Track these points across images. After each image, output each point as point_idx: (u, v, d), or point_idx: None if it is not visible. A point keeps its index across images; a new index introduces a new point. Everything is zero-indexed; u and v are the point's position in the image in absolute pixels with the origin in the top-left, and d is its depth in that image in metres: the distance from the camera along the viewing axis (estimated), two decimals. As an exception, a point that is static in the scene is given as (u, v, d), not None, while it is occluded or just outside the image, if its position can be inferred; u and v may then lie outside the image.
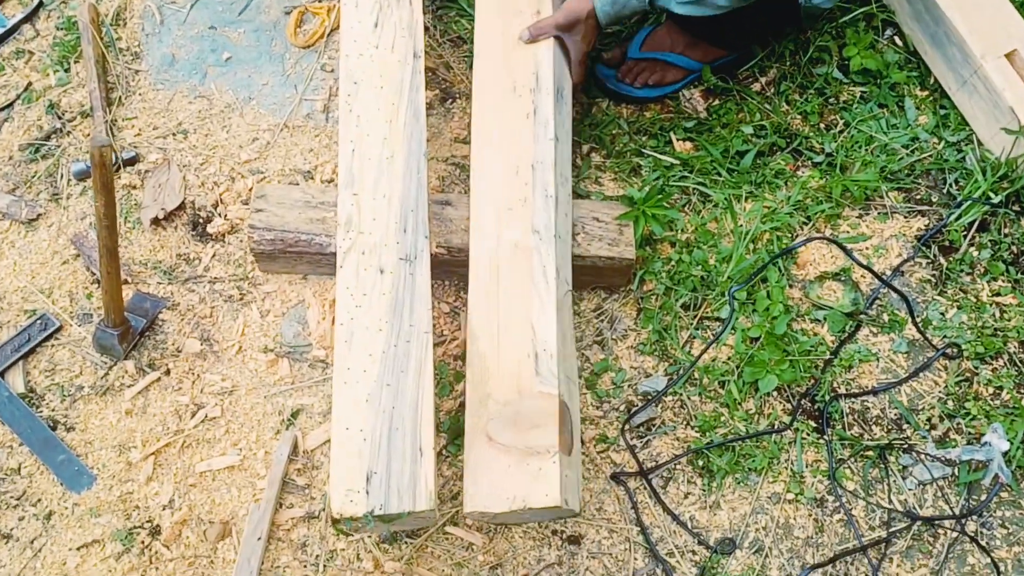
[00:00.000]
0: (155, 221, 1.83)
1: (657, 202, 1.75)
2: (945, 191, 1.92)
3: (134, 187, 1.87)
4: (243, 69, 2.02)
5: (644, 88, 1.99)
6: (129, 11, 2.08)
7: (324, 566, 1.55)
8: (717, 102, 2.02)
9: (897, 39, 2.07)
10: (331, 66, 2.02)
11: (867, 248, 1.86)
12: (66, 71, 2.00)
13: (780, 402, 1.71)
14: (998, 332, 1.76)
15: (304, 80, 2.01)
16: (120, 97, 1.97)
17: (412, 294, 1.50)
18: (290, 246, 1.69)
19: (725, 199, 1.89)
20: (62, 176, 1.89)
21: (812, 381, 1.72)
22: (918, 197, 1.92)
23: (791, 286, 1.81)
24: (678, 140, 1.97)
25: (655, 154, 1.94)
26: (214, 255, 1.82)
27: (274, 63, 2.03)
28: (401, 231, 1.56)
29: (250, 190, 1.87)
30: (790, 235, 1.86)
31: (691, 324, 1.77)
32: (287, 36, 2.05)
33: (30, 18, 2.08)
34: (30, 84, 1.99)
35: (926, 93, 2.02)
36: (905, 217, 1.90)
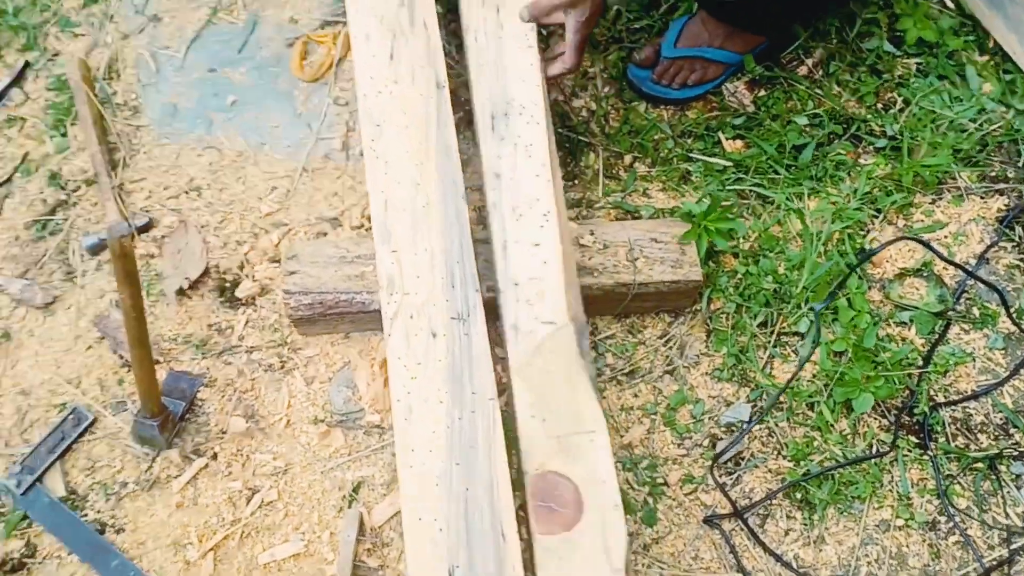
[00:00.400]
0: (180, 292, 1.70)
1: (720, 215, 1.61)
2: (1021, 164, 1.77)
3: (152, 256, 1.74)
4: (250, 112, 1.87)
5: (684, 88, 1.84)
6: (121, 61, 1.94)
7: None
8: (763, 92, 1.87)
9: (948, 2, 1.91)
10: (344, 99, 1.87)
11: (946, 237, 1.72)
12: (63, 135, 1.86)
13: (875, 418, 1.58)
14: (1101, 316, 1.62)
15: (317, 117, 1.86)
16: (124, 158, 1.83)
17: (470, 357, 1.37)
18: (330, 308, 1.56)
19: (787, 199, 1.74)
20: (74, 252, 1.76)
21: (907, 392, 1.58)
22: (992, 174, 1.78)
23: (869, 287, 1.67)
24: (727, 139, 1.82)
25: (705, 158, 1.80)
26: (247, 322, 1.69)
27: (283, 102, 1.88)
28: (449, 287, 1.42)
29: (276, 245, 1.74)
30: (861, 231, 1.72)
31: (768, 342, 1.64)
32: (292, 71, 1.90)
33: (17, 81, 1.93)
34: (27, 154, 1.86)
35: (986, 58, 1.87)
36: (982, 198, 1.75)
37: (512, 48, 1.58)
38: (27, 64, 1.95)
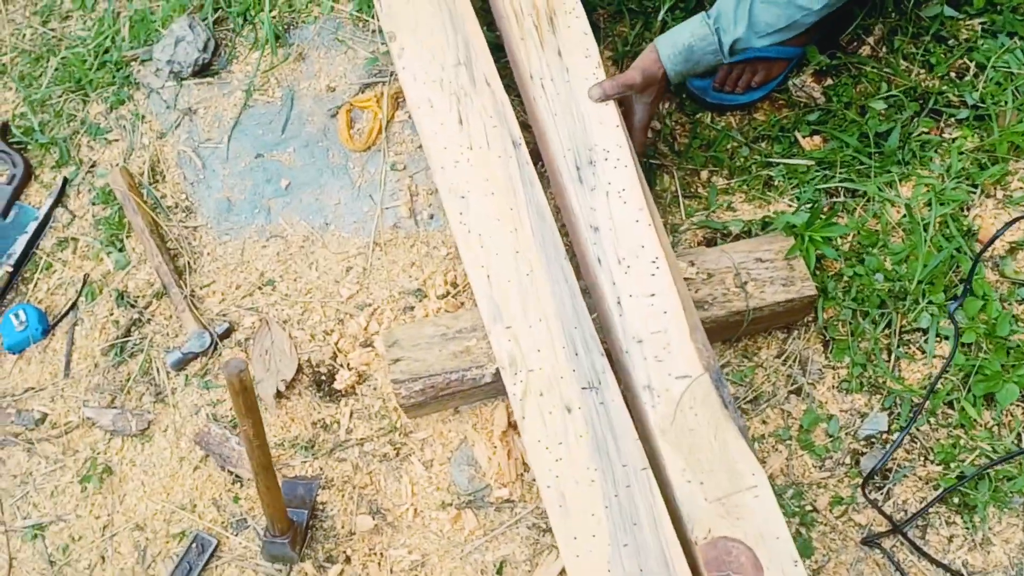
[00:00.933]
0: (277, 394, 1.64)
1: (823, 224, 1.54)
2: (1113, 111, 1.70)
3: (240, 361, 1.68)
4: (308, 193, 1.81)
5: (748, 91, 1.77)
6: (163, 162, 1.87)
7: None
8: (831, 81, 1.79)
9: (1003, -49, 1.83)
10: (401, 163, 1.80)
11: (1051, 201, 1.65)
12: (121, 250, 1.80)
13: (1019, 406, 1.52)
14: None
15: (377, 187, 1.79)
16: (188, 263, 1.77)
17: (611, 427, 1.31)
18: (442, 391, 1.50)
19: (879, 189, 1.68)
20: (159, 371, 1.70)
21: (1046, 374, 1.53)
22: (1086, 127, 1.70)
23: (983, 267, 1.61)
24: (804, 137, 1.75)
25: (785, 160, 1.73)
26: (352, 413, 1.63)
27: (339, 176, 1.81)
28: (572, 355, 1.36)
29: (365, 328, 1.68)
30: (963, 210, 1.65)
31: (891, 344, 1.58)
32: (342, 142, 1.83)
33: (60, 200, 1.87)
34: (87, 276, 1.79)
35: (1054, 4, 1.79)
36: (1083, 153, 1.68)
37: (583, 91, 1.51)
38: (66, 181, 1.88)
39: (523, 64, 1.54)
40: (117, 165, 1.86)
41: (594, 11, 1.92)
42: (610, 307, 1.38)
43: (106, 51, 1.98)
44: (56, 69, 1.98)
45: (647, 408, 1.31)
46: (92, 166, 1.89)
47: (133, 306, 1.75)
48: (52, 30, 2.05)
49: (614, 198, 1.44)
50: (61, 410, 1.71)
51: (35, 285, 1.81)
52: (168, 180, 1.85)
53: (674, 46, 1.51)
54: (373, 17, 1.91)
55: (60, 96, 1.95)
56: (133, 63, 1.95)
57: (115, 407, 1.69)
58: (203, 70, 1.90)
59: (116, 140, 1.90)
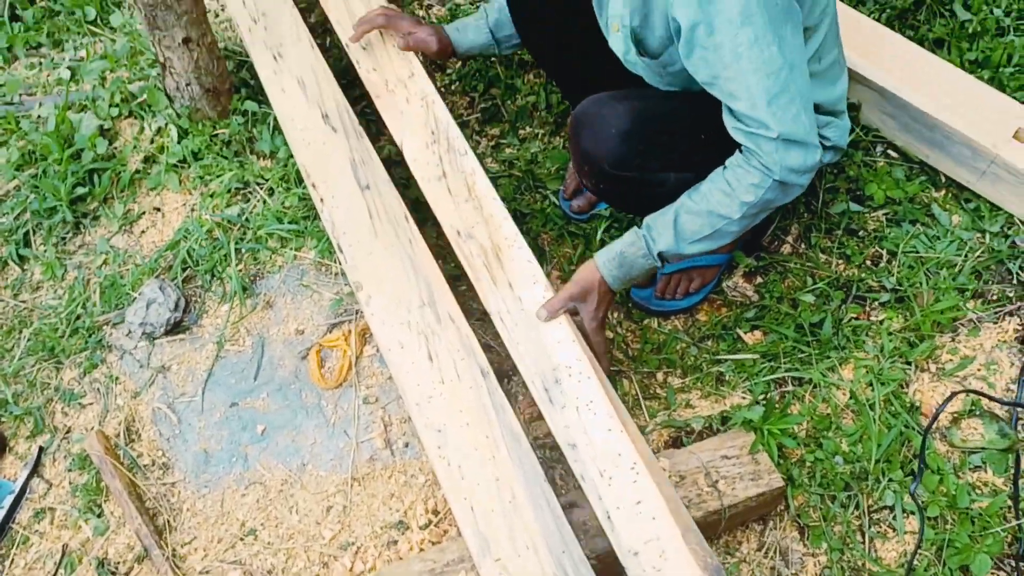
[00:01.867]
0: (267, 651, 1.61)
1: (779, 417, 1.64)
2: (1015, 281, 1.89)
3: (227, 620, 1.66)
4: (284, 435, 1.85)
5: (688, 296, 1.92)
6: (139, 422, 1.91)
7: None
8: (761, 279, 1.96)
9: (890, 151, 2.07)
10: (373, 396, 1.88)
11: (979, 370, 1.79)
12: (99, 516, 1.80)
13: (994, 574, 1.58)
14: None
15: (351, 422, 1.85)
16: (168, 521, 1.77)
17: (612, 649, 1.33)
18: (436, 629, 1.50)
19: (822, 375, 1.80)
20: (144, 639, 1.66)
21: (1009, 539, 1.60)
22: (994, 298, 1.88)
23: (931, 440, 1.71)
24: (745, 333, 1.89)
25: (732, 356, 1.85)
26: (345, 661, 1.61)
27: (313, 416, 1.87)
28: (564, 580, 1.39)
29: (350, 570, 1.68)
30: (903, 387, 1.77)
31: (862, 524, 1.64)
32: (314, 382, 1.90)
33: (35, 471, 1.88)
34: (66, 546, 1.78)
35: (943, 192, 2.01)
36: (995, 323, 1.84)
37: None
38: (41, 450, 1.90)
39: (484, 300, 1.66)
40: (92, 429, 1.89)
41: (537, 236, 2.09)
42: (601, 521, 1.42)
43: (78, 318, 2.06)
44: (29, 340, 2.05)
45: (651, 622, 1.33)
46: (67, 432, 1.92)
47: (114, 573, 1.73)
48: (23, 302, 2.13)
49: (584, 411, 1.52)
50: None
51: (11, 562, 1.78)
52: (144, 438, 1.89)
53: (608, 253, 1.64)
54: (335, 261, 2.04)
55: (33, 366, 2.01)
56: (105, 327, 2.03)
57: None
58: (175, 328, 1.99)
59: (90, 404, 1.94)
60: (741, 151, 1.53)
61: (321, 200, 1.83)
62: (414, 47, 1.95)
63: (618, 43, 1.65)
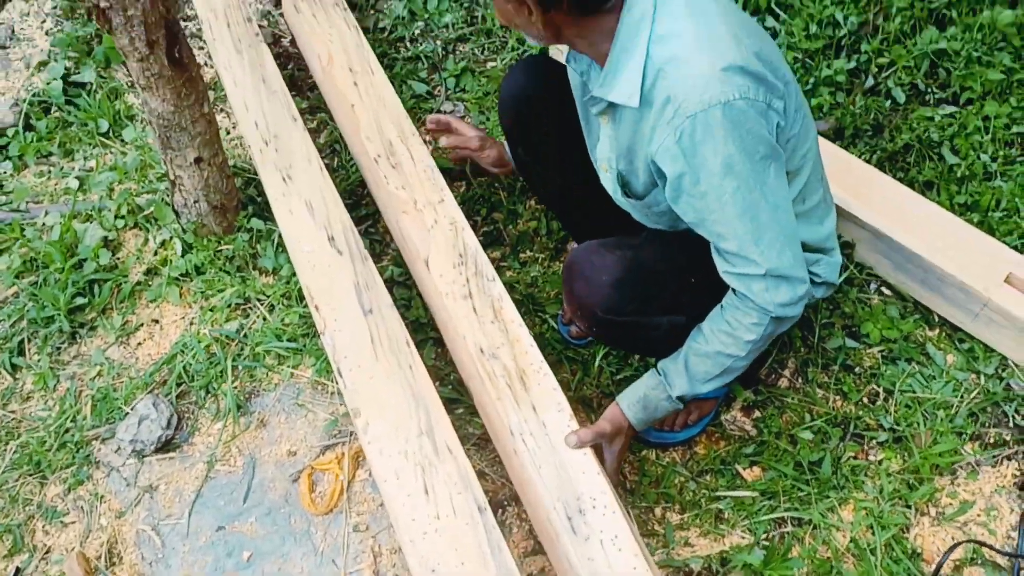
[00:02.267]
0: None
1: (779, 562, 1.61)
2: (1011, 425, 1.89)
3: None
4: (270, 563, 1.80)
5: (685, 428, 1.91)
6: (121, 543, 1.85)
7: None
8: (759, 413, 1.96)
9: (884, 289, 2.11)
10: (363, 524, 1.83)
11: (979, 515, 1.77)
12: (72, 644, 1.72)
13: None
14: None
15: (340, 551, 1.81)
16: (144, 652, 1.70)
17: None
18: None
19: (821, 515, 1.77)
20: None
21: None
22: (991, 441, 1.88)
23: (934, 588, 1.68)
24: (744, 469, 1.87)
25: (730, 493, 1.83)
26: None
27: (301, 543, 1.82)
28: None
29: None
30: (903, 532, 1.75)
31: None
32: (304, 507, 1.86)
33: (9, 590, 1.81)
34: (34, 677, 1.70)
35: (937, 332, 2.04)
36: (993, 467, 1.84)
37: (561, 443, 1.61)
38: (18, 570, 1.83)
39: (500, 420, 1.66)
40: (73, 549, 1.83)
41: (536, 362, 2.09)
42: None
43: (67, 431, 2.02)
44: (15, 452, 2.01)
45: None
46: (47, 552, 1.86)
47: None
48: (12, 412, 2.10)
49: (608, 546, 1.49)
50: None
51: None
52: (126, 562, 1.83)
53: (632, 396, 1.68)
54: (332, 380, 2.03)
55: (17, 480, 1.96)
56: (94, 442, 1.99)
57: None
58: (165, 445, 1.96)
59: (73, 522, 1.89)
60: (735, 293, 1.56)
61: (324, 323, 1.83)
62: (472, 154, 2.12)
63: (608, 183, 1.71)
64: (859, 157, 2.27)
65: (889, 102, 2.45)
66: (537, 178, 2.04)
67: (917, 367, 1.98)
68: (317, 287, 1.89)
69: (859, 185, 2.10)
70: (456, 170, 2.42)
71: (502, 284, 1.85)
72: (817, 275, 1.73)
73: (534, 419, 1.64)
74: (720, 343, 1.56)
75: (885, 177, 2.15)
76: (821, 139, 2.21)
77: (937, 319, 2.05)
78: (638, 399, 1.67)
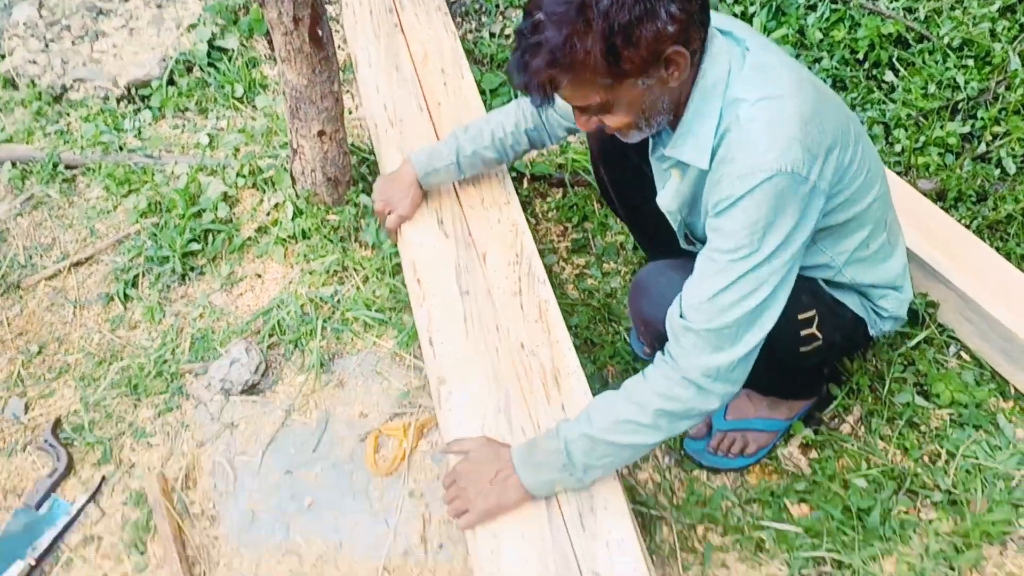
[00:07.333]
0: None
1: (812, 597, 1.64)
2: (1073, 508, 1.86)
3: None
4: (328, 512, 1.92)
5: (740, 456, 1.95)
6: (198, 470, 2.00)
7: None
8: (816, 454, 1.98)
9: (963, 354, 2.10)
10: (419, 491, 1.94)
11: (1025, 591, 1.76)
12: (142, 553, 1.88)
13: None
14: None
15: (394, 512, 1.91)
16: (204, 572, 1.84)
17: None
18: None
19: (863, 563, 1.79)
20: None
21: None
22: (1050, 520, 1.85)
23: (966, 653, 1.68)
24: (792, 504, 1.90)
25: (775, 525, 1.86)
26: None
27: (359, 500, 1.94)
28: None
29: (365, 659, 1.71)
30: (944, 592, 1.75)
31: None
32: (367, 466, 1.98)
33: (93, 498, 1.98)
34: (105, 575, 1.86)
35: (1011, 404, 2.02)
36: (1047, 545, 1.82)
37: None
38: (103, 479, 2.00)
39: (533, 412, 1.75)
40: (154, 469, 1.99)
41: (604, 367, 2.16)
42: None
43: (165, 362, 2.20)
44: (117, 373, 2.19)
45: None
46: (131, 467, 2.02)
47: (143, 612, 1.80)
48: (119, 337, 2.29)
49: (614, 548, 1.53)
50: None
51: (52, 581, 1.86)
52: (200, 488, 1.98)
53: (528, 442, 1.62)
54: (411, 355, 2.15)
55: (114, 399, 2.14)
56: (188, 375, 2.16)
57: None
58: (251, 389, 2.10)
59: (158, 445, 2.05)
60: (662, 352, 1.52)
61: (423, 295, 1.96)
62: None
63: (673, 225, 1.76)
64: (959, 221, 2.26)
65: (999, 171, 2.44)
66: (616, 196, 2.11)
67: (984, 435, 1.97)
68: (422, 261, 2.03)
69: (953, 247, 2.10)
70: (555, 177, 2.52)
71: (551, 288, 1.96)
72: (884, 309, 1.75)
73: (562, 417, 1.72)
74: (628, 395, 1.51)
75: (983, 245, 2.14)
76: (921, 198, 2.23)
77: (1013, 392, 2.03)
78: (530, 440, 1.62)
